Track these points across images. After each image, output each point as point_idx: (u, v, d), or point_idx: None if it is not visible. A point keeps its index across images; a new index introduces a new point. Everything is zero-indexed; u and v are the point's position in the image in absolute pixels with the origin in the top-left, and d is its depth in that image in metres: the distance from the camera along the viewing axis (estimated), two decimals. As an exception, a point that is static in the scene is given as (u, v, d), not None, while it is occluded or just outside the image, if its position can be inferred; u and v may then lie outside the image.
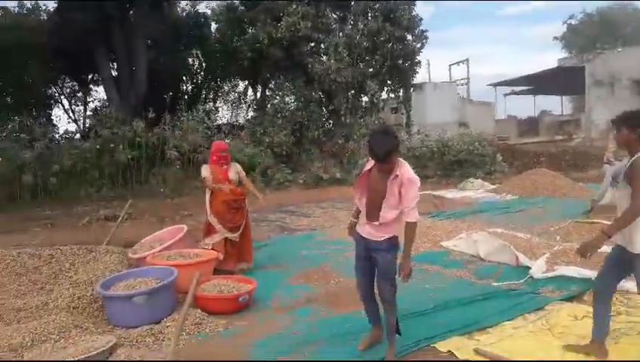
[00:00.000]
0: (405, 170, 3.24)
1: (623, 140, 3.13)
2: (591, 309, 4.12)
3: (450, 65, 30.37)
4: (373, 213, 3.35)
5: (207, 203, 5.60)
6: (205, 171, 5.63)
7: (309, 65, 15.26)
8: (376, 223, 3.30)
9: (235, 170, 5.73)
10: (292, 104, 16.33)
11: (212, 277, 4.85)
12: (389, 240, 3.32)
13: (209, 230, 5.61)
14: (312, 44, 16.43)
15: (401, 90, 17.98)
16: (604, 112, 22.23)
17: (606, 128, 22.42)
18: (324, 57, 15.99)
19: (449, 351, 3.41)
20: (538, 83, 27.93)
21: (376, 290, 3.50)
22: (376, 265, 3.39)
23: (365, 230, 3.40)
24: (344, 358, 3.39)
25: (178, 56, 17.59)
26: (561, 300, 4.35)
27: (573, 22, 37.86)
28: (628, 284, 4.54)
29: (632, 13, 35.07)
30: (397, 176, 3.21)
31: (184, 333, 3.85)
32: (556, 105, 35.48)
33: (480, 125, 22.81)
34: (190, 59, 18.97)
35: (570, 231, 6.95)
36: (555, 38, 39.67)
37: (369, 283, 3.51)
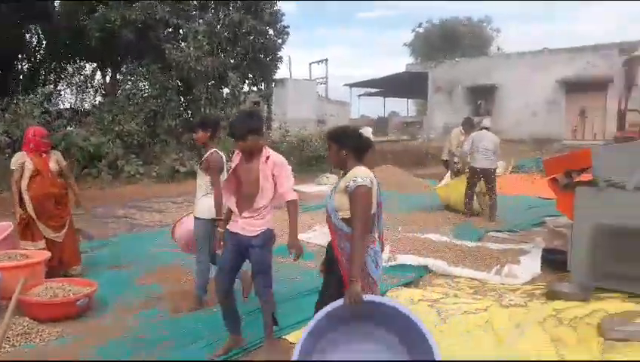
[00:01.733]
0: (273, 153, 3.31)
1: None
2: (425, 293, 4.60)
3: (310, 64, 31.32)
4: (246, 205, 3.29)
5: (25, 195, 4.75)
6: (23, 158, 4.80)
7: (167, 51, 14.51)
8: (250, 215, 3.25)
9: (55, 159, 5.01)
10: (146, 91, 15.39)
11: (45, 280, 4.35)
12: (263, 234, 3.29)
13: (26, 230, 4.85)
14: (170, 30, 15.67)
15: (263, 85, 18.06)
16: (442, 116, 24.84)
17: (443, 131, 25.11)
18: (183, 44, 15.35)
19: (292, 343, 3.48)
20: (389, 86, 30.15)
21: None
22: (252, 262, 3.32)
23: (238, 226, 3.31)
24: (196, 358, 3.30)
25: (12, 31, 15.43)
26: (399, 286, 4.73)
27: (420, 30, 41.54)
28: (457, 270, 5.13)
29: (469, 26, 39.53)
30: (268, 157, 3.24)
31: (6, 346, 3.39)
32: (404, 107, 38.69)
33: (336, 123, 23.91)
34: (28, 35, 16.79)
35: (410, 222, 7.63)
36: (405, 44, 43.19)
37: (230, 281, 3.40)
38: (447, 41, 37.01)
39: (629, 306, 4.10)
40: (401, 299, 4.37)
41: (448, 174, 9.39)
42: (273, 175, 3.24)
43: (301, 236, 6.49)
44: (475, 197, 7.99)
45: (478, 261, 5.44)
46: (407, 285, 4.83)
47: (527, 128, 21.18)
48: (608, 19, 76.03)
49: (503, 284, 4.76)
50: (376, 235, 2.88)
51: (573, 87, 21.11)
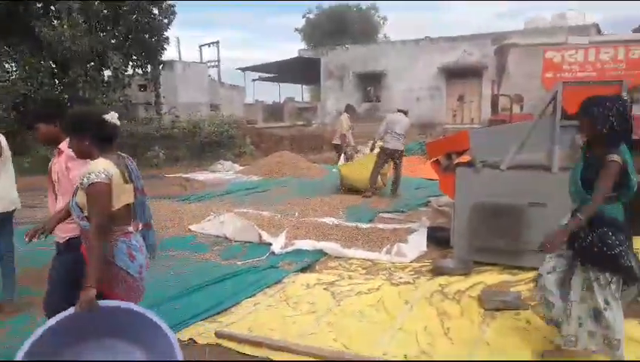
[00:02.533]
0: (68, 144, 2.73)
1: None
2: (321, 276, 4.65)
3: (200, 47, 30.21)
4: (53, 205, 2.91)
5: None
6: None
7: (37, 30, 13.07)
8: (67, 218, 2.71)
9: None
10: (14, 73, 13.79)
11: None
12: (67, 243, 2.78)
13: None
14: (40, 5, 14.11)
15: (149, 67, 17.03)
16: (335, 102, 25.37)
17: (337, 116, 25.67)
18: (56, 22, 13.92)
19: (190, 339, 3.33)
20: (283, 71, 30.08)
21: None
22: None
23: (56, 229, 2.77)
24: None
25: None
26: (296, 271, 4.73)
27: (311, 16, 41.87)
28: (350, 252, 5.24)
29: (358, 13, 40.61)
30: (61, 151, 2.85)
31: None
32: (299, 92, 38.92)
33: (230, 108, 23.40)
34: None
35: (308, 206, 7.69)
36: (296, 29, 43.31)
37: (61, 296, 2.65)
38: (337, 27, 37.74)
39: (505, 277, 4.49)
40: (298, 284, 4.38)
41: (342, 158, 9.74)
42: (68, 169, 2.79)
43: (194, 227, 6.30)
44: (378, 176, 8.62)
45: (370, 242, 5.61)
46: (303, 270, 4.84)
47: (412, 113, 22.17)
48: (484, 10, 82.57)
49: (393, 263, 4.95)
50: (135, 227, 2.60)
51: (453, 74, 22.66)
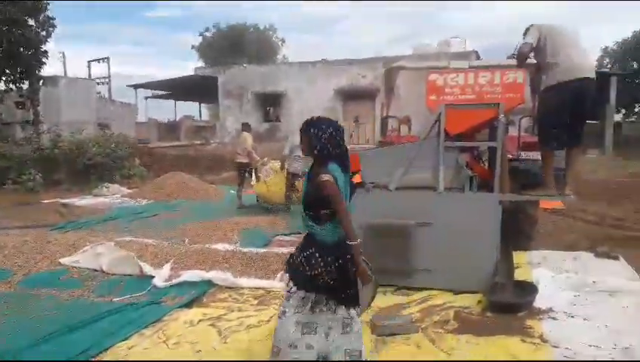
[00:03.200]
0: None
1: None
2: (208, 310, 4.30)
3: (89, 62, 28.23)
4: None
5: None
6: None
7: None
8: None
9: None
10: None
11: None
12: None
13: None
14: None
15: (26, 83, 15.46)
16: (234, 121, 24.95)
17: (236, 135, 25.24)
18: None
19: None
20: (179, 88, 29.05)
21: None
22: None
23: None
24: None
25: None
26: (180, 307, 4.34)
27: (208, 34, 41.15)
28: (241, 281, 4.94)
29: (256, 32, 40.60)
30: None
31: None
32: (197, 110, 37.82)
33: (121, 127, 22.00)
34: None
35: (200, 232, 7.25)
36: (193, 46, 42.30)
37: None
38: (234, 46, 37.45)
39: (398, 299, 4.46)
40: (180, 321, 3.99)
41: (254, 177, 9.89)
42: None
43: (66, 260, 5.60)
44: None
45: (264, 268, 5.35)
46: (189, 304, 4.45)
47: (312, 133, 22.60)
48: (376, 34, 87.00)
49: (286, 290, 4.74)
50: None
51: (348, 96, 23.34)
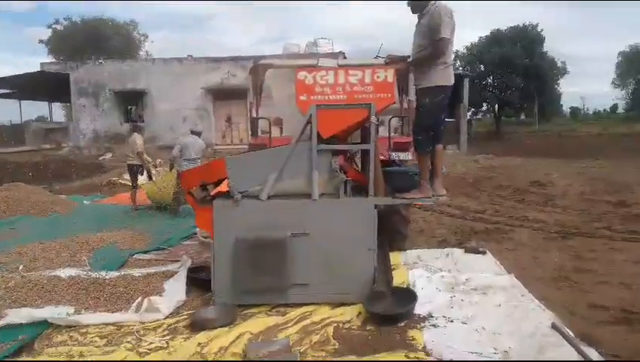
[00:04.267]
0: None
1: None
2: (42, 359, 3.46)
3: None
4: None
5: None
6: None
7: None
8: None
9: None
10: None
11: None
12: None
13: None
14: None
15: None
16: (91, 121, 22.63)
17: (93, 137, 22.93)
18: None
19: None
20: (24, 87, 25.59)
21: None
22: None
23: None
24: None
25: None
26: (3, 359, 3.43)
27: (59, 27, 37.08)
28: (84, 317, 4.12)
29: (114, 26, 37.47)
30: None
31: None
32: (55, 110, 33.76)
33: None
34: None
35: (40, 255, 6.11)
36: (41, 41, 37.81)
37: None
38: (90, 41, 34.18)
39: (273, 320, 3.99)
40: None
41: (145, 176, 9.89)
42: None
43: None
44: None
45: (116, 297, 4.55)
46: (17, 353, 3.55)
47: (180, 134, 21.36)
48: (247, 34, 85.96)
49: (143, 323, 4.03)
50: None
51: (219, 95, 22.45)
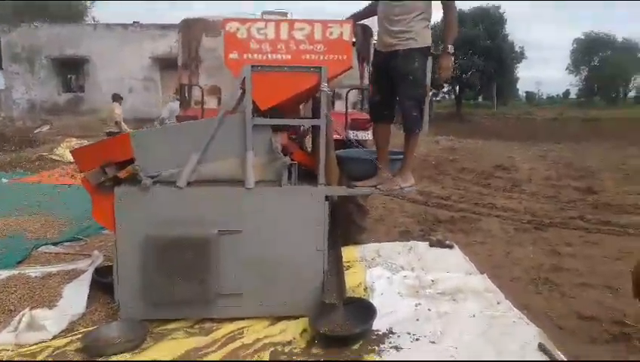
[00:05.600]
0: None
1: None
2: None
3: None
4: None
5: None
6: None
7: None
8: None
9: None
10: None
11: None
12: None
13: None
14: None
15: None
16: (25, 90, 20.72)
17: (28, 107, 21.02)
18: None
19: None
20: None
21: None
22: None
23: None
24: None
25: None
26: None
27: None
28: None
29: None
30: None
31: None
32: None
33: None
34: None
35: None
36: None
37: None
38: (27, 4, 31.42)
39: (195, 341, 3.10)
40: None
41: None
42: None
43: None
44: None
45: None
46: None
47: (126, 105, 19.81)
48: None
49: (20, 347, 3.06)
50: None
51: (167, 65, 20.90)
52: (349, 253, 4.82)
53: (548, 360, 2.93)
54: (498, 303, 3.77)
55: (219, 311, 3.33)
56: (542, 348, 3.09)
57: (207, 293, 3.23)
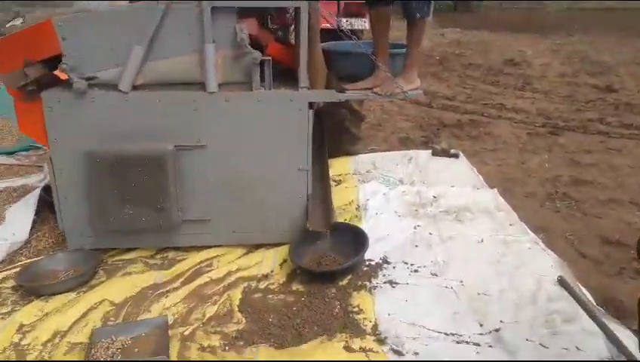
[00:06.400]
0: None
1: None
2: None
3: None
4: None
5: None
6: None
7: None
8: None
9: None
10: None
11: None
12: None
13: None
14: None
15: None
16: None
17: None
18: None
19: None
20: None
21: None
22: None
23: None
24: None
25: None
26: None
27: None
28: None
29: None
30: None
31: None
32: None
33: None
34: None
35: None
36: None
37: None
38: None
39: (148, 278, 2.62)
40: None
41: None
42: None
43: None
44: None
45: None
46: None
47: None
48: None
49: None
50: None
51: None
52: (340, 165, 4.28)
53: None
54: (510, 225, 3.27)
55: (183, 240, 2.83)
56: (562, 282, 2.64)
57: (168, 219, 2.69)
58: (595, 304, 2.45)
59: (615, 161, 4.48)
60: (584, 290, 2.57)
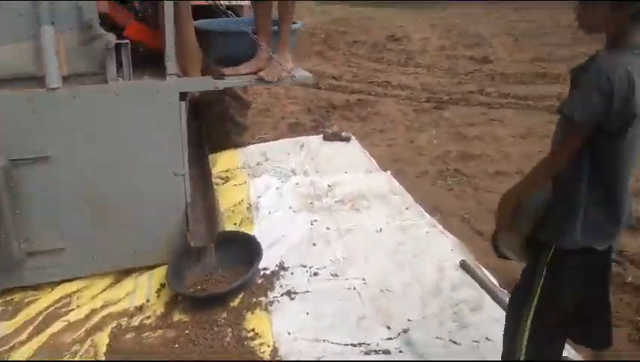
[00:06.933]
0: None
1: None
2: None
3: None
4: None
5: None
6: None
7: None
8: None
9: None
10: None
11: None
12: None
13: None
14: None
15: None
16: None
17: None
18: None
19: None
20: None
21: None
22: None
23: None
24: None
25: None
26: None
27: None
28: None
29: None
30: None
31: None
32: None
33: None
34: None
35: None
36: None
37: None
38: None
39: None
40: None
41: None
42: None
43: None
44: None
45: None
46: None
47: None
48: None
49: None
50: None
51: None
52: (227, 159, 3.91)
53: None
54: (407, 209, 3.16)
55: (31, 276, 2.30)
56: (464, 266, 2.55)
57: (6, 254, 2.16)
58: (498, 286, 2.39)
59: (498, 132, 4.59)
60: (486, 272, 2.51)
